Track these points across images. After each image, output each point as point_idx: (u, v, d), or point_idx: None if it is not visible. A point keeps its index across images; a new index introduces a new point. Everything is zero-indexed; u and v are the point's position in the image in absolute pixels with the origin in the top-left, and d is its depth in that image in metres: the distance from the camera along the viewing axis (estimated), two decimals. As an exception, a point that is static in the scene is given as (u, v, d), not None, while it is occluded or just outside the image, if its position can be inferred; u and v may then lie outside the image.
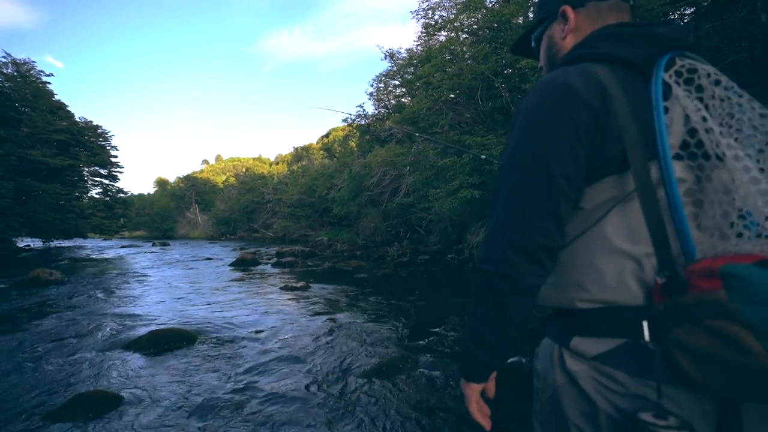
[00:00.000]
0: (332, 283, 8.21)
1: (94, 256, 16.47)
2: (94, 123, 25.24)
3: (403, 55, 15.66)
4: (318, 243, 19.62)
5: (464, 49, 10.37)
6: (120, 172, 26.37)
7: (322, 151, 33.20)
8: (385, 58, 15.89)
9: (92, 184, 25.54)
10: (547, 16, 0.87)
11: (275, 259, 13.24)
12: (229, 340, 4.39)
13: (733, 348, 0.54)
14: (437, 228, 12.99)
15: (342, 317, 5.31)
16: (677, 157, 0.66)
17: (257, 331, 4.70)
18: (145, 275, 10.10)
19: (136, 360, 3.81)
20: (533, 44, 0.95)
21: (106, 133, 25.76)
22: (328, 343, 4.24)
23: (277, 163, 47.51)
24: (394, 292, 7.10)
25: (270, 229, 29.66)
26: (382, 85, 17.53)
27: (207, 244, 26.23)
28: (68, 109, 23.14)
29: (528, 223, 0.69)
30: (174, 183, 52.91)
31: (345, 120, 19.10)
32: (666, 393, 0.62)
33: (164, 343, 4.17)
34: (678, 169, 0.65)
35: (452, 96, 10.74)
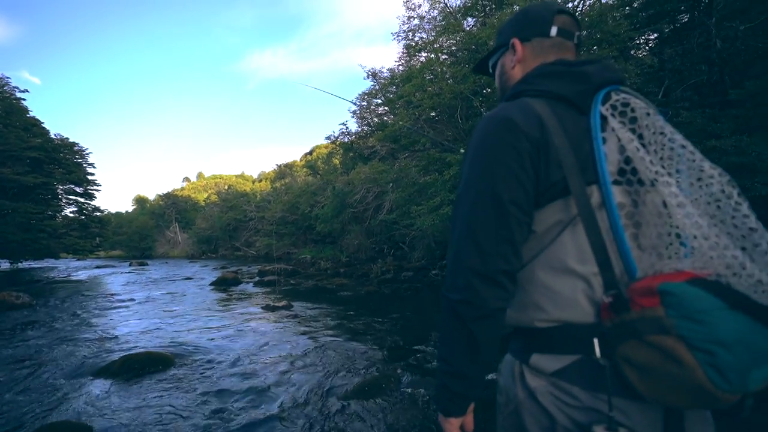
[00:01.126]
0: (315, 302, 8.10)
1: (65, 278, 15.80)
2: (71, 140, 24.69)
3: (386, 74, 15.99)
4: (301, 261, 19.40)
5: (444, 69, 10.69)
6: (97, 191, 25.72)
7: (305, 169, 33.12)
8: (368, 78, 16.20)
9: (67, 203, 24.77)
10: (502, 45, 0.95)
11: (257, 277, 13.00)
12: (207, 363, 4.27)
13: (671, 360, 0.58)
14: (421, 244, 13.07)
15: (324, 336, 5.24)
16: (616, 182, 0.72)
17: (236, 353, 4.58)
18: (120, 297, 9.74)
19: (107, 387, 3.65)
20: (491, 70, 1.04)
21: (83, 150, 25.17)
22: (309, 363, 4.16)
23: (260, 181, 47.22)
24: (378, 310, 7.05)
25: (252, 248, 29.19)
26: (365, 103, 17.79)
27: (187, 263, 25.55)
28: (43, 125, 22.65)
29: (485, 249, 0.72)
30: (154, 201, 51.73)
31: (329, 137, 19.23)
32: (616, 405, 0.66)
33: (138, 368, 4.02)
34: (617, 194, 0.71)
35: (433, 114, 10.99)
